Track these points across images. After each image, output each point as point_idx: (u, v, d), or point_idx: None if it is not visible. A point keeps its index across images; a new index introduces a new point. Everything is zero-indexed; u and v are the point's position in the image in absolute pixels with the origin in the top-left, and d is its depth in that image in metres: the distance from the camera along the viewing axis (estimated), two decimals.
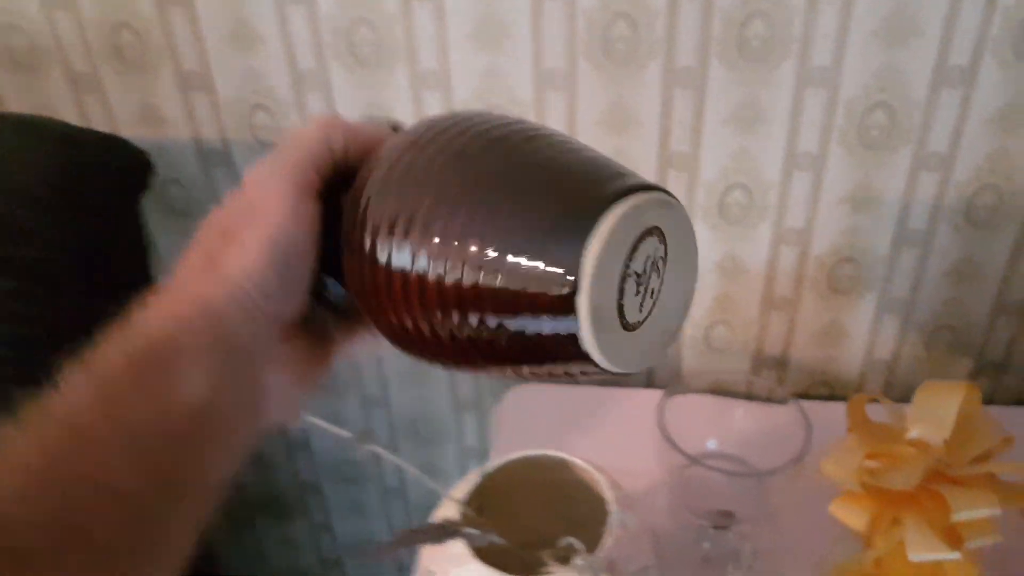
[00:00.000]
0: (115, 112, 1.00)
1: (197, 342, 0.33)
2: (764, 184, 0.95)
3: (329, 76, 0.94)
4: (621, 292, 0.32)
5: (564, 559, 0.55)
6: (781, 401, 0.77)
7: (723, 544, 0.81)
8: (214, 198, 0.95)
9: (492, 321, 0.32)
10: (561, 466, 0.66)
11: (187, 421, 0.32)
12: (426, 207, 0.33)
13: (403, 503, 1.33)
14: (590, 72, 0.90)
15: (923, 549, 0.67)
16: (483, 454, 1.22)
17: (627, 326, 0.33)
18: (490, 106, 0.95)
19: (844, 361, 1.07)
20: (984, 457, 0.71)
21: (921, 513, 0.68)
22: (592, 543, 0.58)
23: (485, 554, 0.58)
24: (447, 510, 0.61)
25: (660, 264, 0.34)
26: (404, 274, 0.34)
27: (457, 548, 0.58)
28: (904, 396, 0.75)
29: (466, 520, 0.61)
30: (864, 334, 1.05)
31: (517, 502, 0.67)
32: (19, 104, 1.00)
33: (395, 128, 0.42)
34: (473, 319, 0.33)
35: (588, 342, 0.31)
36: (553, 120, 0.94)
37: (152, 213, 1.05)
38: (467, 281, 0.32)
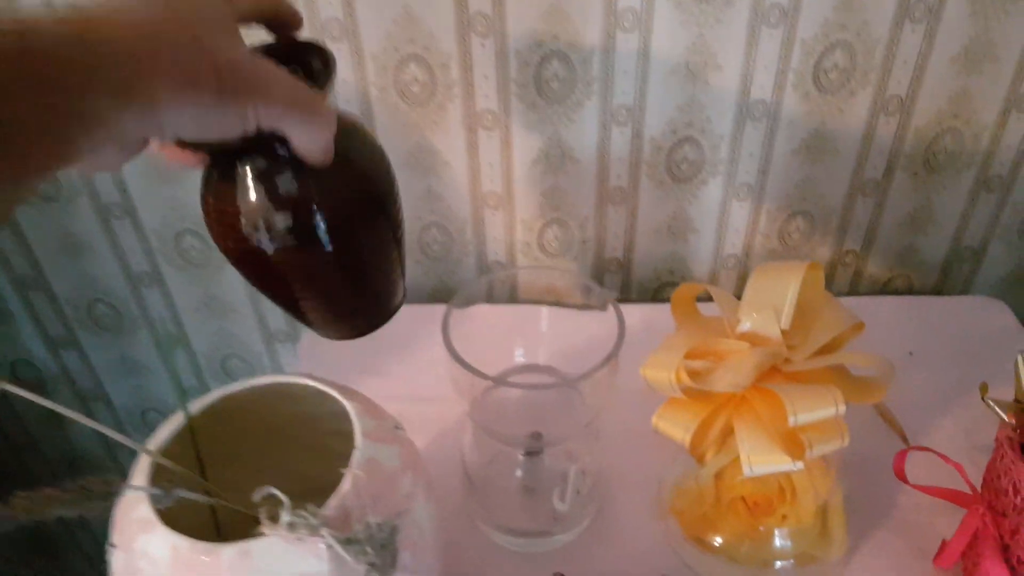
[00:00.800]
0: None
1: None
2: (715, 136, 0.85)
3: None
4: None
5: (274, 517, 0.42)
6: (600, 307, 0.65)
7: (543, 471, 0.68)
8: None
9: None
10: (304, 395, 0.52)
11: None
12: None
13: None
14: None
15: (759, 461, 0.56)
16: None
17: None
18: None
19: None
20: (830, 349, 0.60)
21: (755, 420, 0.57)
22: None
23: (185, 514, 0.44)
24: (143, 464, 0.46)
25: None
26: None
27: (138, 512, 0.44)
28: None
29: (178, 477, 0.46)
30: None
31: (250, 445, 0.53)
32: None
33: None
34: None
35: None
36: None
37: None
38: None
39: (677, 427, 0.58)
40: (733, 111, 0.83)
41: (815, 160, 0.87)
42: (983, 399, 0.57)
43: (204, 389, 1.08)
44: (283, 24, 0.47)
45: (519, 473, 0.68)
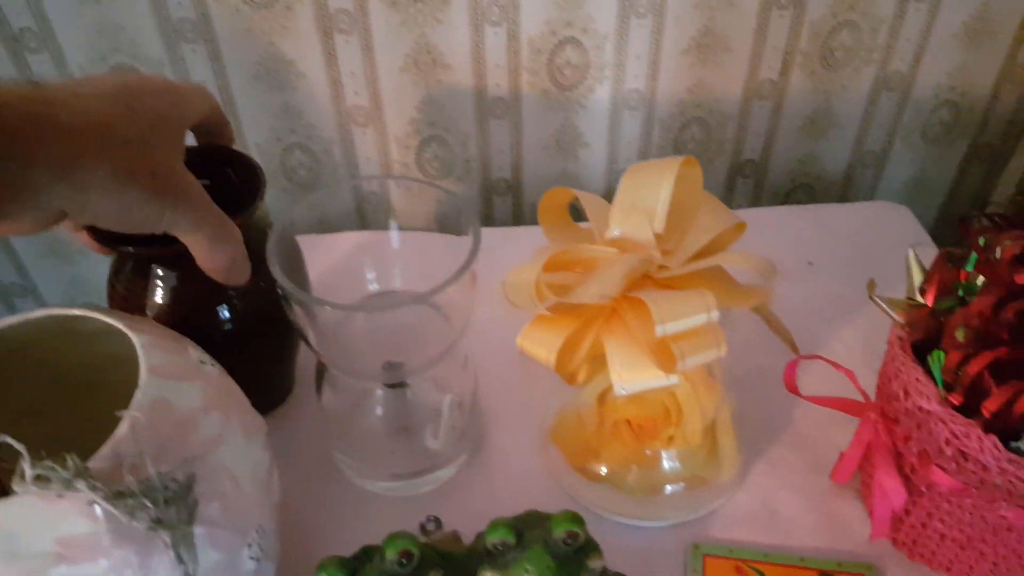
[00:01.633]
0: None
1: None
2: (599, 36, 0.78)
3: None
4: None
5: (21, 473, 0.34)
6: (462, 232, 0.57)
7: (413, 408, 0.62)
8: None
9: None
10: (91, 332, 0.44)
11: None
12: None
13: None
14: None
15: (631, 378, 0.51)
16: None
17: None
18: None
19: None
20: (709, 253, 0.54)
21: (626, 334, 0.51)
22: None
23: None
24: None
25: None
26: None
27: None
28: None
29: None
30: None
31: (45, 397, 0.45)
32: None
33: None
34: None
35: None
36: None
37: None
38: None
39: (542, 347, 0.52)
40: (616, 7, 0.76)
41: (706, 60, 0.81)
42: (871, 297, 0.52)
43: None
44: (220, 137, 0.55)
45: (380, 411, 0.61)
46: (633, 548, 0.57)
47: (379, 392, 0.60)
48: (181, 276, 0.55)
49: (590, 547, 0.48)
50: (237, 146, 0.58)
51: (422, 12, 0.74)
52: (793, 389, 0.59)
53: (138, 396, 0.39)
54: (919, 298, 0.52)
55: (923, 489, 0.52)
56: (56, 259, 0.89)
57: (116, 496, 0.34)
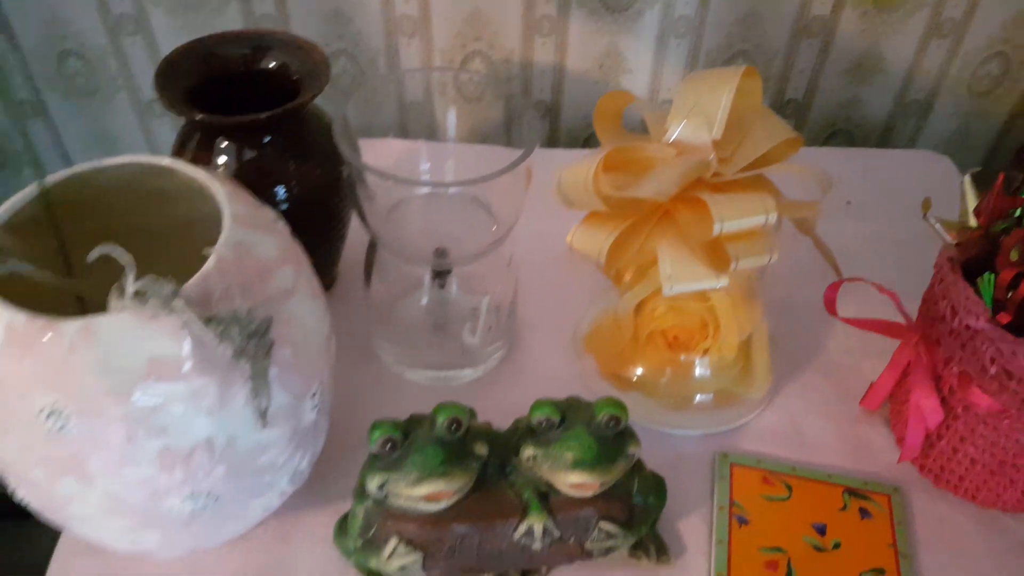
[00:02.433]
0: None
1: None
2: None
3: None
4: None
5: (120, 289, 0.35)
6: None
7: (452, 306, 0.63)
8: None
9: None
10: (174, 187, 0.45)
11: None
12: None
13: None
14: None
15: (681, 278, 0.51)
16: None
17: None
18: None
19: None
20: (762, 164, 0.54)
21: (678, 234, 0.52)
22: None
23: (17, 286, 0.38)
24: None
25: None
26: None
27: None
28: None
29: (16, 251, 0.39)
30: None
31: (108, 228, 0.45)
32: None
33: None
34: None
35: None
36: None
37: None
38: None
39: (593, 245, 0.52)
40: None
41: None
42: (924, 217, 0.53)
43: None
44: None
45: (423, 304, 0.62)
46: (662, 455, 0.58)
47: (424, 285, 0.61)
48: (245, 151, 0.56)
49: (629, 434, 0.48)
50: None
51: None
52: (832, 311, 0.59)
53: (223, 238, 0.39)
54: (972, 221, 0.52)
55: (959, 412, 0.53)
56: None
57: (207, 321, 0.35)
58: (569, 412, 0.48)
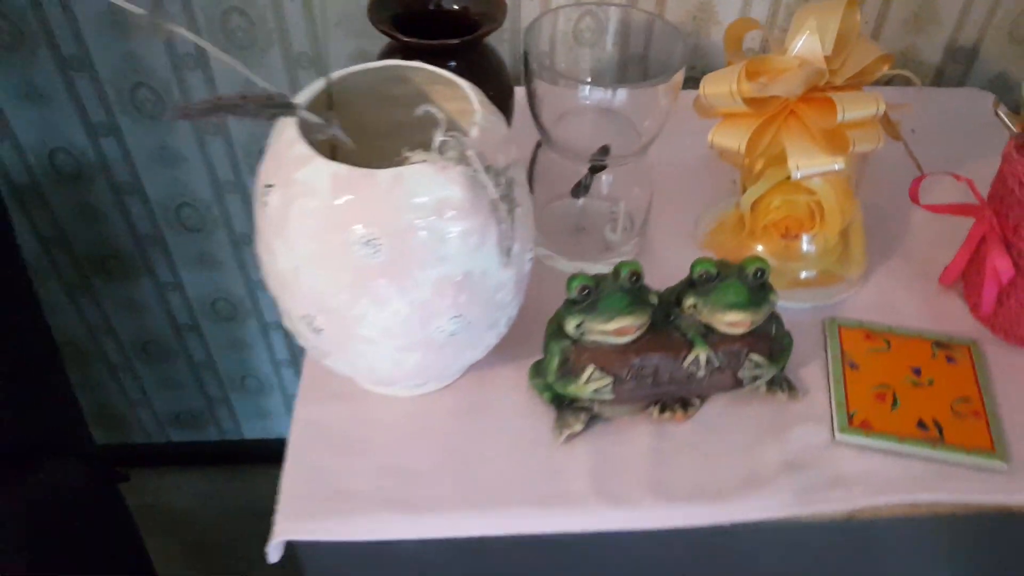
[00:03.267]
0: None
1: None
2: None
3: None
4: None
5: (424, 145, 0.48)
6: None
7: (592, 213, 0.76)
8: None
9: None
10: (419, 78, 0.58)
11: None
12: None
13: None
14: None
15: (805, 164, 0.64)
16: None
17: None
18: None
19: None
20: (862, 76, 0.67)
21: (802, 129, 0.65)
22: None
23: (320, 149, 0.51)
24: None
25: None
26: None
27: (296, 150, 0.50)
28: None
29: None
30: None
31: (370, 119, 0.58)
32: None
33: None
34: None
35: None
36: None
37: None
38: None
39: (733, 138, 0.65)
40: None
41: None
42: (995, 112, 0.65)
43: (240, 183, 1.13)
44: None
45: (572, 207, 0.75)
46: None
47: (579, 183, 0.74)
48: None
49: (768, 286, 0.61)
50: None
51: None
52: (916, 199, 0.72)
53: (477, 116, 0.52)
54: None
55: None
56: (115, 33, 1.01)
57: (486, 169, 0.48)
58: (722, 269, 0.61)
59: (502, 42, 1.00)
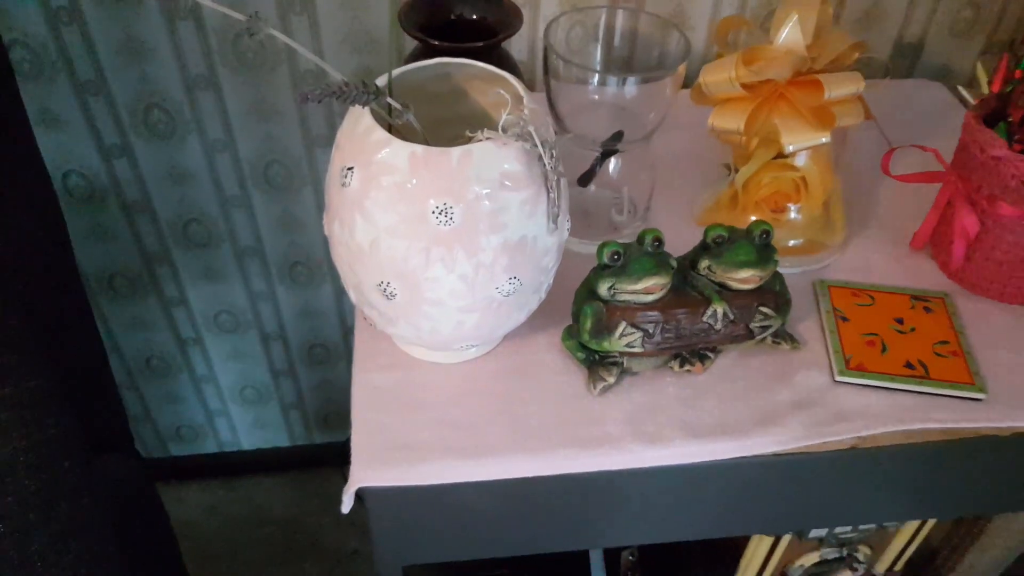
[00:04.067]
0: None
1: None
2: None
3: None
4: None
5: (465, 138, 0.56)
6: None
7: (595, 198, 0.84)
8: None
9: None
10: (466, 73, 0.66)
11: None
12: None
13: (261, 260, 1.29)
14: None
15: (796, 139, 0.73)
16: None
17: None
18: None
19: None
20: (838, 62, 0.77)
21: (791, 108, 0.74)
22: None
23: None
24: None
25: None
26: None
27: (375, 136, 0.57)
28: None
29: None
30: None
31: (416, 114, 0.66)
32: None
33: None
34: None
35: None
36: None
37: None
38: None
39: (732, 120, 0.74)
40: None
41: None
42: (956, 88, 0.75)
43: (246, 197, 1.19)
44: None
45: (592, 189, 0.83)
46: None
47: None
48: None
49: (771, 247, 0.70)
50: None
51: None
52: (887, 171, 0.81)
53: (526, 100, 0.60)
54: (986, 89, 0.75)
55: (989, 226, 0.75)
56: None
57: (542, 143, 0.56)
58: (732, 233, 0.69)
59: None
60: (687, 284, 0.70)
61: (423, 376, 0.72)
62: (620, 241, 0.68)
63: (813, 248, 0.83)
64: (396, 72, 0.63)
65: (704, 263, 0.69)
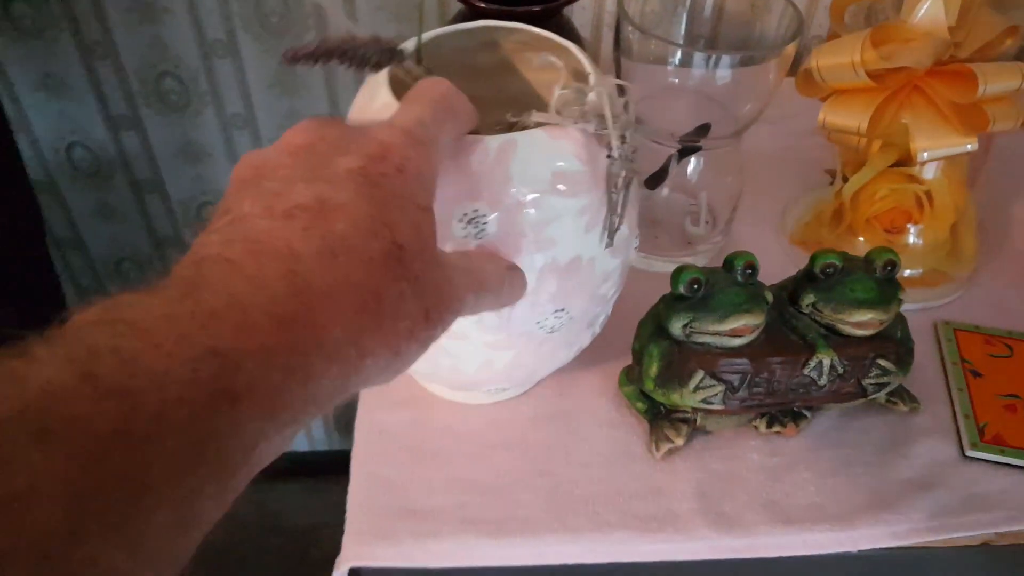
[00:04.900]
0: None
1: None
2: None
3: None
4: None
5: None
6: None
7: (666, 206, 0.69)
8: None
9: None
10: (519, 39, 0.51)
11: None
12: None
13: None
14: None
15: (931, 145, 0.57)
16: None
17: None
18: None
19: None
20: (985, 51, 0.60)
21: (928, 105, 0.58)
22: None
23: None
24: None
25: None
26: None
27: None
28: None
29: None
30: None
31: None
32: None
33: None
34: None
35: None
36: None
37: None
38: None
39: (851, 116, 0.58)
40: None
41: None
42: None
43: None
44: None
45: (666, 192, 0.68)
46: None
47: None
48: None
49: (898, 283, 0.54)
50: None
51: None
52: None
53: (593, 79, 0.45)
54: None
55: None
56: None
57: (614, 123, 0.41)
58: (847, 262, 0.54)
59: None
60: (784, 325, 0.55)
61: (442, 417, 0.58)
62: (700, 265, 0.53)
63: (934, 279, 0.67)
64: (428, 35, 0.48)
65: (808, 299, 0.54)
